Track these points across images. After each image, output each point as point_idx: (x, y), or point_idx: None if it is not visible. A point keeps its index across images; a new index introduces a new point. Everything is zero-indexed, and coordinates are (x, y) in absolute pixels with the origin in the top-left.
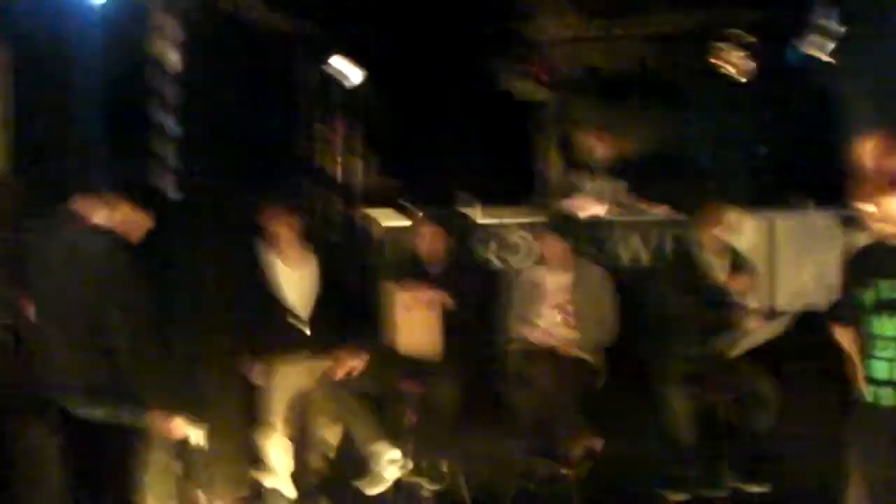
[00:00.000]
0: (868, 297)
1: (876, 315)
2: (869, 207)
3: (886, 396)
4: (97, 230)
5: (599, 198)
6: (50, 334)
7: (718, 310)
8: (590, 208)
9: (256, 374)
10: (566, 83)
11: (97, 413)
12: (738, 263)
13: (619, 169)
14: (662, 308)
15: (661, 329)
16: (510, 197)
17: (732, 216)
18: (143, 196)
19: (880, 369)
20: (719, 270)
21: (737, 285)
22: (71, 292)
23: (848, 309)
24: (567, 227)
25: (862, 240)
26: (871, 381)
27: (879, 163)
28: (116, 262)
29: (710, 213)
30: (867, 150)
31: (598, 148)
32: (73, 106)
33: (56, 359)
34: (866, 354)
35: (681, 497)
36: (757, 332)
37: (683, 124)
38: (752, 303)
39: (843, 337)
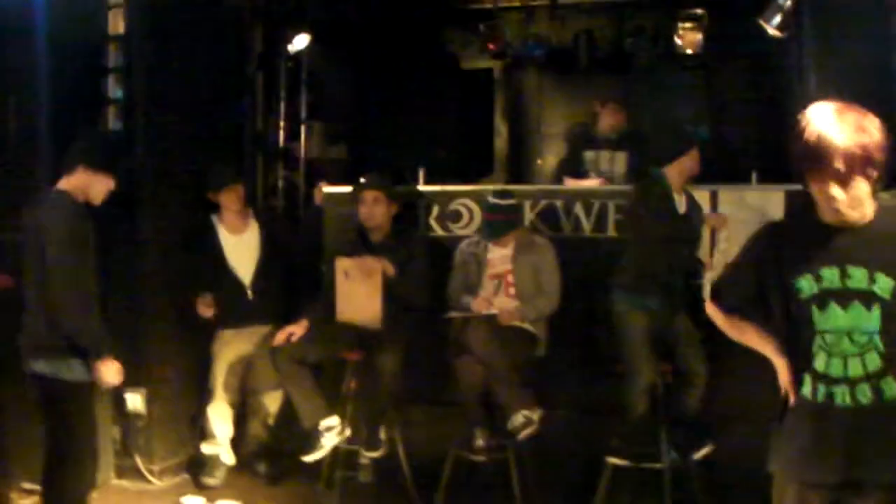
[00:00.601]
0: (805, 284)
1: (818, 305)
2: (835, 191)
3: (841, 394)
4: (54, 194)
5: (602, 171)
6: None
7: (692, 245)
8: (590, 182)
9: (203, 308)
10: (518, 55)
11: (47, 368)
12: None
13: (621, 140)
14: (637, 245)
15: (628, 283)
16: (462, 168)
17: (694, 159)
18: (100, 160)
19: (834, 365)
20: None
21: (714, 221)
22: (33, 254)
23: (736, 293)
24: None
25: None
26: (821, 378)
27: (853, 142)
28: (62, 221)
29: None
30: (832, 129)
31: (607, 120)
32: (20, 76)
33: (25, 320)
34: (804, 349)
35: (623, 461)
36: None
37: (630, 95)
38: (723, 241)
39: (730, 325)
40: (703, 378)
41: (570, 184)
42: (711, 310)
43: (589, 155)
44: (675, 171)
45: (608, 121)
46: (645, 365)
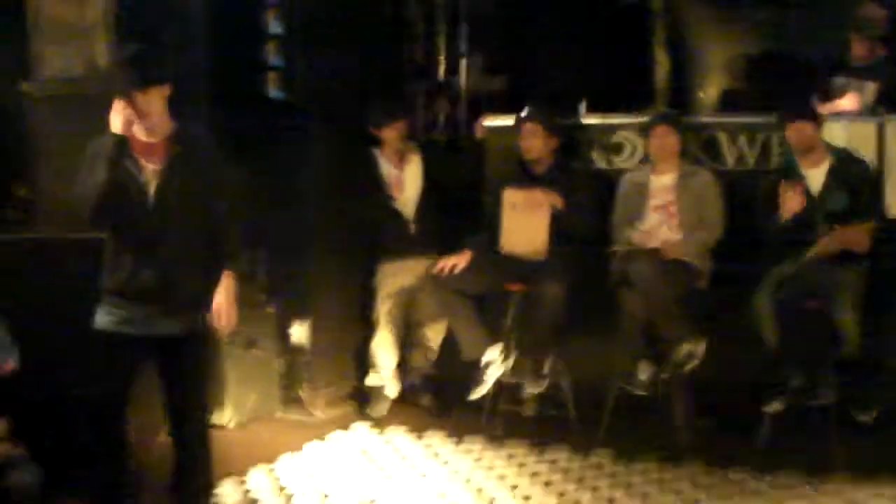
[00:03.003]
0: None
1: None
2: None
3: None
4: None
5: (858, 97)
6: None
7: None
8: (847, 105)
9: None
10: None
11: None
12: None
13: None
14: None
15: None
16: (622, 101)
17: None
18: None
19: None
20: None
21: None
22: None
23: None
24: (674, 121)
25: None
26: None
27: None
28: None
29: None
30: None
31: (858, 48)
32: (177, 10)
33: None
34: None
35: (778, 407)
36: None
37: (793, 24)
38: None
39: None
40: (854, 321)
41: (824, 109)
42: None
43: (839, 80)
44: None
45: (856, 49)
46: (760, 297)
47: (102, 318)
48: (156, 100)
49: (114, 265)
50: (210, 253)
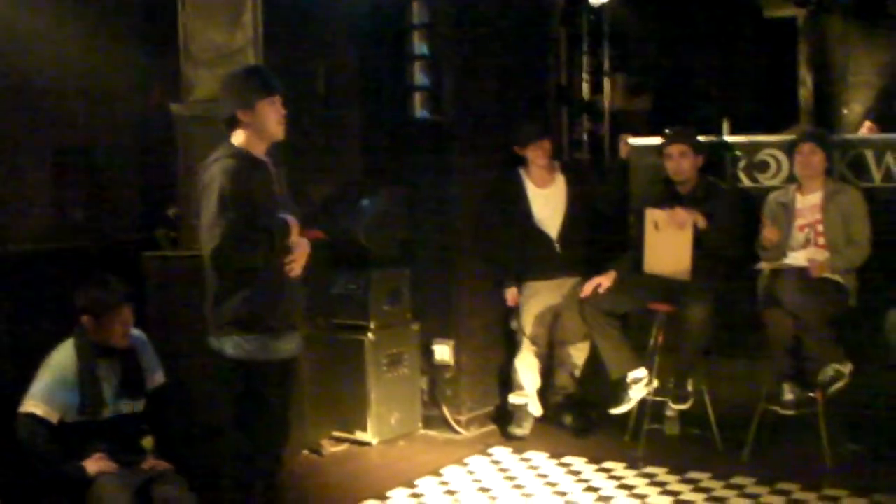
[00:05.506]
0: None
1: None
2: None
3: None
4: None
5: None
6: None
7: None
8: None
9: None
10: (824, 1)
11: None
12: None
13: None
14: None
15: None
16: (766, 119)
17: None
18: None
19: None
20: None
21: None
22: None
23: None
24: (820, 139)
25: None
26: None
27: None
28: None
29: None
30: None
31: None
32: (324, 33)
33: None
34: None
35: None
36: None
37: None
38: None
39: None
40: None
41: None
42: None
43: None
44: None
45: None
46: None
47: (251, 348)
48: None
49: (264, 292)
50: None
